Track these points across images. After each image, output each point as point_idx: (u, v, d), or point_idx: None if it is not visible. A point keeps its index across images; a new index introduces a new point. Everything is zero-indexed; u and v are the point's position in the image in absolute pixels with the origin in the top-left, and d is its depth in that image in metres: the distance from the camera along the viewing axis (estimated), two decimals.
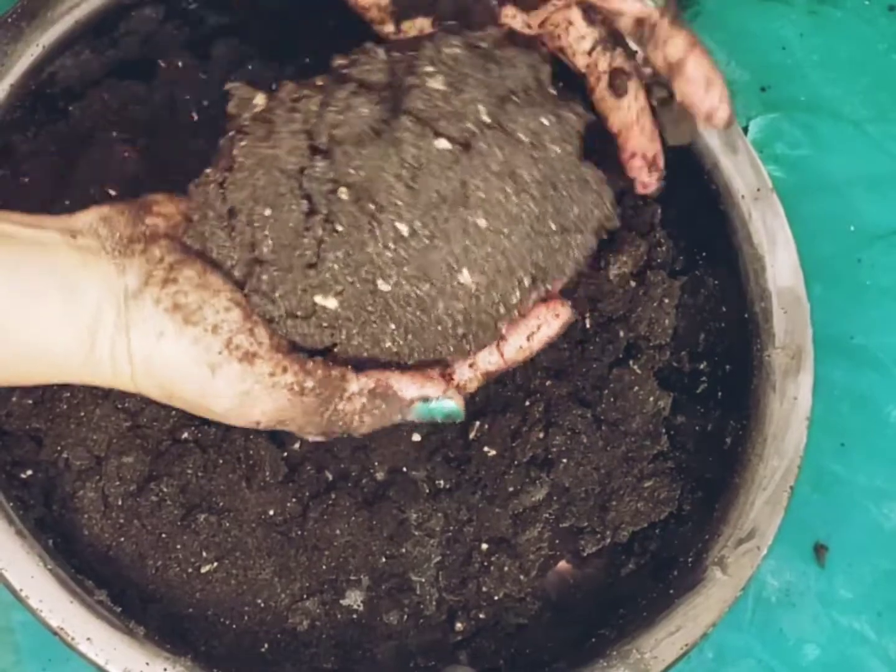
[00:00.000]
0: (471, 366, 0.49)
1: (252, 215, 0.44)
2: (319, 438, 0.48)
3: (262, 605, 0.55)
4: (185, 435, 0.56)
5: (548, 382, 0.61)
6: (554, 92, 0.48)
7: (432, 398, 0.47)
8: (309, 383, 0.45)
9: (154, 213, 0.46)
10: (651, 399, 0.61)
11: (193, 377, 0.44)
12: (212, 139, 0.47)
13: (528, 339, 0.49)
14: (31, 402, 0.55)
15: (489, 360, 0.49)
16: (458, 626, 0.58)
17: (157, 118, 0.62)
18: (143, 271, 0.44)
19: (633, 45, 0.51)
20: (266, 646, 0.55)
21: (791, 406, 0.57)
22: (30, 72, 0.55)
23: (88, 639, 0.47)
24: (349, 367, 0.46)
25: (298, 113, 0.45)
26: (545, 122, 0.46)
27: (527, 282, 0.46)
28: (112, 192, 0.58)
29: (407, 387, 0.46)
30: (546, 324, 0.49)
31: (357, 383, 0.46)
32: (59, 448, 0.55)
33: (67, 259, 0.44)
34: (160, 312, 0.44)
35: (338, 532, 0.57)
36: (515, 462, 0.60)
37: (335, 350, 0.46)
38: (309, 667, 0.55)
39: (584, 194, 0.47)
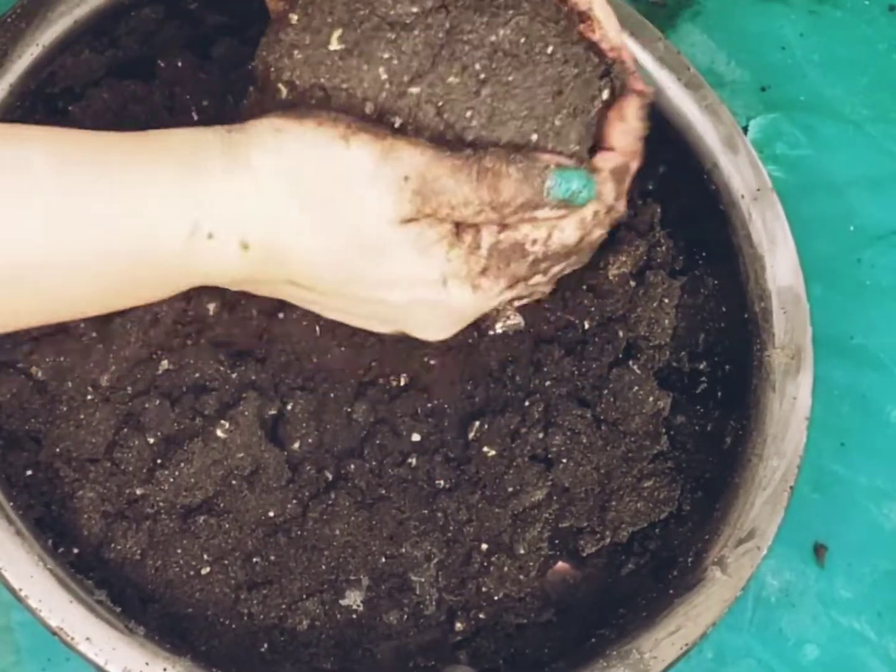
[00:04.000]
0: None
1: None
2: (465, 187, 0.44)
3: (262, 605, 0.55)
4: (187, 436, 0.56)
5: (547, 382, 0.61)
6: None
7: (566, 165, 0.45)
8: (445, 149, 0.44)
9: None
10: (651, 399, 0.61)
11: (326, 152, 0.42)
12: None
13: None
14: (35, 404, 0.55)
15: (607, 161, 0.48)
16: (458, 626, 0.58)
17: (157, 118, 0.62)
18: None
19: None
20: (266, 646, 0.55)
21: (791, 406, 0.57)
22: (30, 72, 0.55)
23: (88, 638, 0.47)
24: None
25: None
26: None
27: None
28: None
29: (541, 155, 0.45)
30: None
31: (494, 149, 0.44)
32: (58, 448, 0.55)
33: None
34: (270, 118, 0.42)
35: (338, 532, 0.57)
36: (515, 462, 0.59)
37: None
38: (309, 667, 0.55)
39: None
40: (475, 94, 0.45)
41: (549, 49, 0.46)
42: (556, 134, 0.47)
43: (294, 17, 0.46)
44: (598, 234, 0.48)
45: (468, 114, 0.45)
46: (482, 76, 0.45)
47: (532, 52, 0.46)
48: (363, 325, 0.49)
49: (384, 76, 0.44)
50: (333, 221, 0.43)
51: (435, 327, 0.47)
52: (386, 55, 0.44)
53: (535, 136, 0.46)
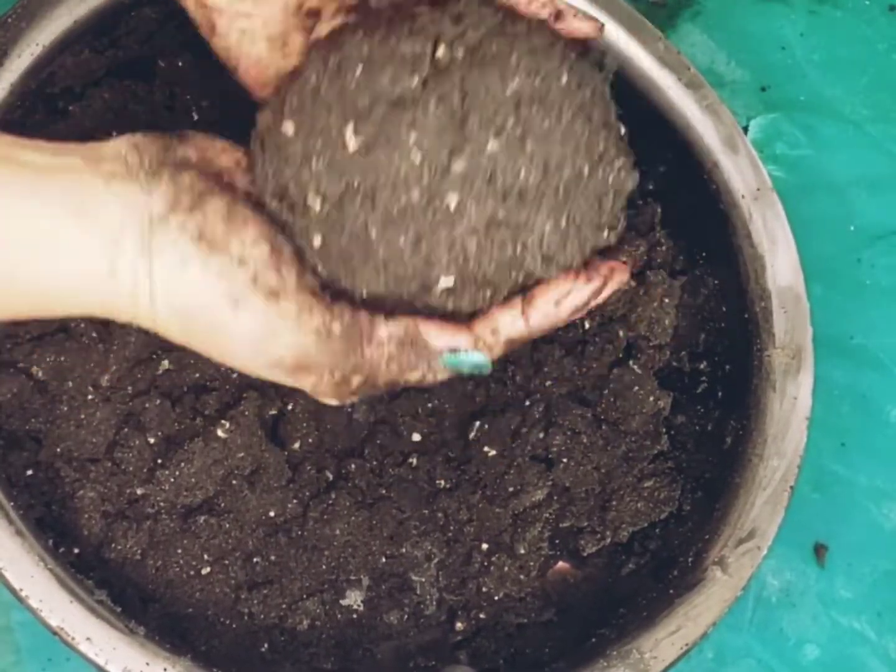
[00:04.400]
0: (492, 332, 0.46)
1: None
2: (333, 402, 0.46)
3: (262, 604, 0.55)
4: (187, 436, 0.56)
5: (548, 382, 0.61)
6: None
7: (461, 349, 0.45)
8: (336, 327, 0.43)
9: (188, 144, 0.45)
10: (651, 399, 0.61)
11: (215, 310, 0.42)
12: None
13: (556, 304, 0.45)
14: (36, 404, 0.55)
15: (513, 325, 0.46)
16: (458, 626, 0.58)
17: (157, 118, 0.62)
18: (170, 195, 0.42)
19: None
20: (266, 646, 0.55)
21: (791, 406, 0.57)
22: (30, 71, 0.55)
23: (88, 638, 0.47)
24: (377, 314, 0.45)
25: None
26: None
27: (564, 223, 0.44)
28: None
29: (437, 335, 0.45)
30: (577, 290, 0.46)
31: (386, 328, 0.44)
32: (59, 448, 0.55)
33: (89, 182, 0.42)
34: (185, 239, 0.42)
35: (338, 532, 0.57)
36: (515, 462, 0.60)
37: (363, 294, 0.45)
38: (309, 667, 0.55)
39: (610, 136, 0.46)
40: (521, 150, 0.43)
41: (563, 79, 0.44)
42: (610, 154, 0.45)
43: (290, 128, 0.44)
44: None
45: (522, 173, 0.43)
46: (519, 131, 0.43)
47: (551, 90, 0.44)
48: None
49: (418, 160, 0.42)
50: (211, 350, 0.44)
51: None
52: (412, 138, 0.42)
53: (586, 168, 0.44)
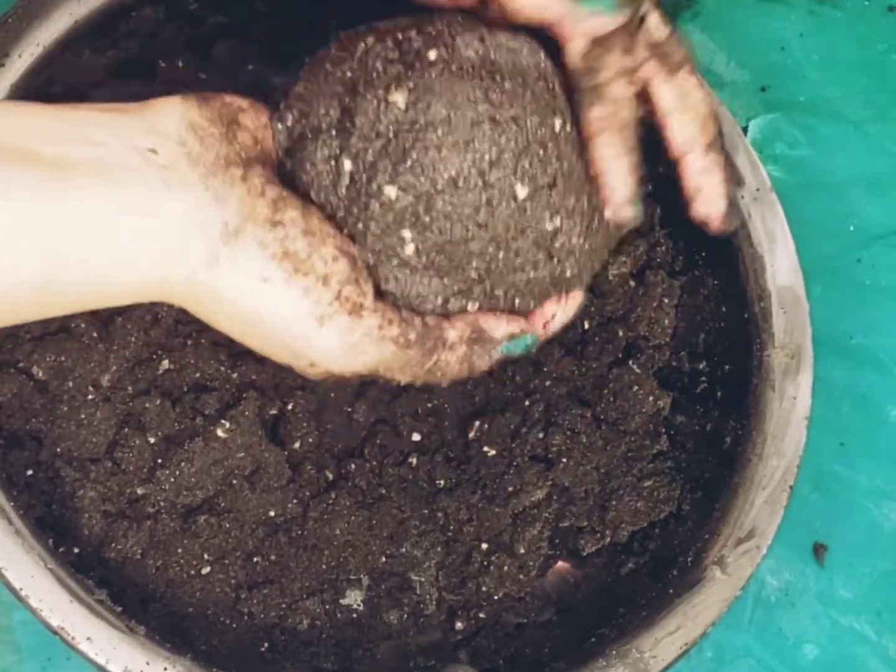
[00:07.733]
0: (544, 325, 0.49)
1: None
2: (407, 379, 0.46)
3: (262, 604, 0.55)
4: (187, 436, 0.56)
5: (547, 382, 0.61)
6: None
7: (516, 335, 0.47)
8: (412, 335, 0.44)
9: (242, 128, 0.43)
10: (651, 399, 0.61)
11: (298, 327, 0.41)
12: None
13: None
14: (36, 404, 0.55)
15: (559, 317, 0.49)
16: (458, 625, 0.58)
17: None
18: (246, 206, 0.40)
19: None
20: (266, 645, 0.55)
21: (791, 406, 0.57)
22: (30, 72, 0.55)
23: (88, 638, 0.47)
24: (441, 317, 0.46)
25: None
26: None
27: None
28: None
29: (496, 326, 0.46)
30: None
31: (454, 330, 0.45)
32: (59, 448, 0.55)
33: (145, 181, 0.39)
34: (267, 258, 0.40)
35: (338, 532, 0.57)
36: (515, 462, 0.60)
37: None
38: (309, 666, 0.55)
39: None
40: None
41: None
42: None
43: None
44: None
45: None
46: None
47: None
48: None
49: None
50: (264, 348, 0.44)
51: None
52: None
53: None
